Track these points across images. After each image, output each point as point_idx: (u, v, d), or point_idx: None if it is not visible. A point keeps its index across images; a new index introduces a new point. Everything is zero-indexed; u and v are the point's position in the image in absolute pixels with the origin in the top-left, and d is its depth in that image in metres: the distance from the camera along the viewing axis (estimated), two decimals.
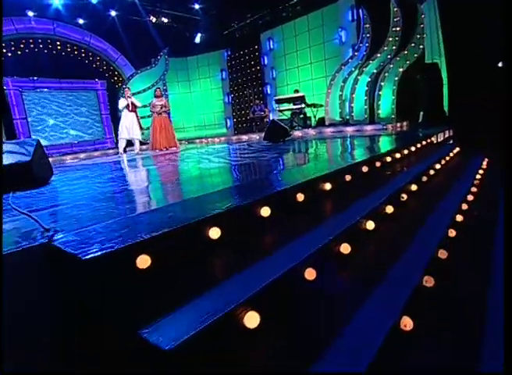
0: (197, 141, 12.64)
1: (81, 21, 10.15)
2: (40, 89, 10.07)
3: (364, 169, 2.61)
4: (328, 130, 8.31)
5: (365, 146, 4.25)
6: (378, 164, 2.86)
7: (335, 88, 9.06)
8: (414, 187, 2.50)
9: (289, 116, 9.78)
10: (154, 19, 11.17)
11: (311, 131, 8.66)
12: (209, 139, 12.40)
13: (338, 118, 9.16)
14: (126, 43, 11.03)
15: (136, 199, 2.23)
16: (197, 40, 12.91)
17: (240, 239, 1.56)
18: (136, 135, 7.42)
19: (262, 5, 10.39)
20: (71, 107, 10.90)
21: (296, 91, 9.67)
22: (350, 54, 9.07)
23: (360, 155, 3.23)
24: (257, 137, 9.88)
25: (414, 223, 2.10)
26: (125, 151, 8.15)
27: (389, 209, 1.98)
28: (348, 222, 1.75)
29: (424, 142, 4.44)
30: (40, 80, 10.06)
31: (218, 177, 2.95)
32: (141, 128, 7.84)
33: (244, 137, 10.42)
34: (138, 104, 7.57)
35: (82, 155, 9.91)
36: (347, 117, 8.85)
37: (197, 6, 11.00)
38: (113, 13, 10.23)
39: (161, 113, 7.84)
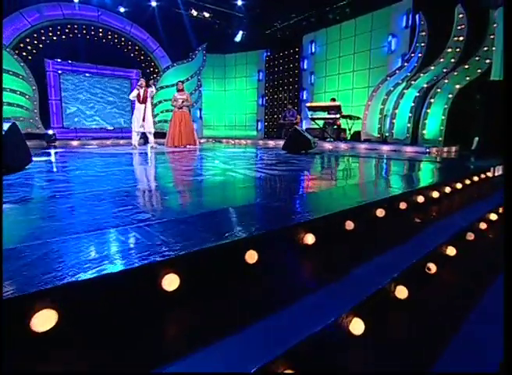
0: (224, 140, 12.23)
1: (122, 9, 10.11)
2: (77, 73, 10.19)
3: (380, 213, 1.89)
4: (363, 147, 7.47)
5: (400, 173, 3.47)
6: (403, 206, 2.11)
7: (376, 101, 8.17)
8: (451, 252, 1.73)
9: (322, 125, 9.03)
10: (195, 13, 10.92)
11: (343, 145, 7.85)
12: (236, 140, 11.93)
13: (375, 134, 8.26)
14: (165, 35, 10.89)
15: (77, 214, 1.70)
16: (238, 38, 12.51)
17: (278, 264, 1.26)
18: (149, 128, 7.07)
19: (308, 6, 9.72)
20: (104, 93, 10.97)
21: (333, 100, 8.89)
22: (399, 64, 8.14)
23: (394, 185, 2.50)
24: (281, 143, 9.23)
25: None
26: (145, 143, 7.86)
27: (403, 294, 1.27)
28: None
29: (476, 177, 3.55)
30: (78, 65, 10.19)
31: (225, 190, 2.37)
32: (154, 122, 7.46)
33: (271, 143, 9.81)
34: (149, 94, 7.07)
35: (95, 142, 9.77)
36: (386, 134, 7.93)
37: (240, 2, 10.56)
38: (154, 3, 10.07)
39: (181, 108, 7.48)
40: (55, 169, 3.74)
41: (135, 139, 7.04)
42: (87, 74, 10.39)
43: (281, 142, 9.64)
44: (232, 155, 5.53)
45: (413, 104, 7.22)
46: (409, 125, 7.30)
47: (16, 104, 9.17)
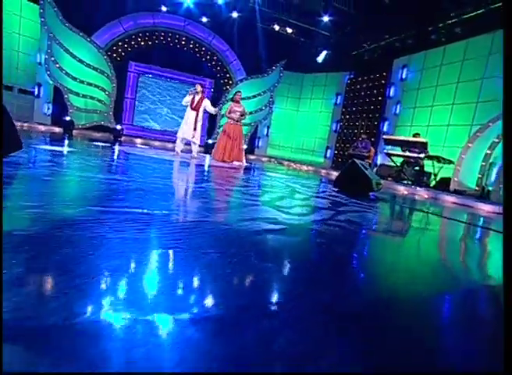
0: (286, 163, 11.30)
1: (205, 19, 10.16)
2: (154, 75, 10.54)
3: None
4: (450, 200, 5.69)
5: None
6: None
7: (481, 143, 6.29)
8: None
9: (400, 164, 7.40)
10: (277, 28, 10.42)
11: (423, 193, 6.16)
12: (298, 165, 10.89)
13: (472, 186, 6.33)
14: (244, 47, 10.63)
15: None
16: (321, 58, 11.63)
17: None
18: (195, 138, 6.48)
19: (407, 25, 8.32)
20: (175, 98, 11.14)
21: (417, 135, 7.24)
22: None
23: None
24: None
25: None
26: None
27: None
28: None
29: None
30: (156, 68, 10.55)
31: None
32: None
33: (335, 175, 8.50)
34: (204, 104, 6.51)
35: (156, 143, 9.74)
36: (488, 188, 5.99)
37: (326, 19, 9.69)
38: (235, 15, 9.86)
39: (238, 121, 6.79)
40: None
41: (179, 146, 6.56)
42: (162, 78, 10.68)
43: None
44: (280, 183, 4.50)
45: None
46: None
47: (96, 98, 9.77)
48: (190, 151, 6.92)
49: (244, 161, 7.06)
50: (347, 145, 10.94)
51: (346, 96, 11.35)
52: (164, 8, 9.72)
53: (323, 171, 9.42)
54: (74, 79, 9.27)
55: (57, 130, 9.47)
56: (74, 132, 9.57)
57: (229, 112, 6.96)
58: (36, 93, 9.63)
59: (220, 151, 6.85)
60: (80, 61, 9.22)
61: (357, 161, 3.81)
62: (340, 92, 11.59)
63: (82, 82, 9.42)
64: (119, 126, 10.12)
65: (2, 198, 1.47)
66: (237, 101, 6.96)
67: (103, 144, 7.32)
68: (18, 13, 9.04)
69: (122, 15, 9.73)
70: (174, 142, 11.34)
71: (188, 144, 6.75)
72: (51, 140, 7.23)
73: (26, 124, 9.04)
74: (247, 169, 6.14)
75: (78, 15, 9.05)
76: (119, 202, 1.84)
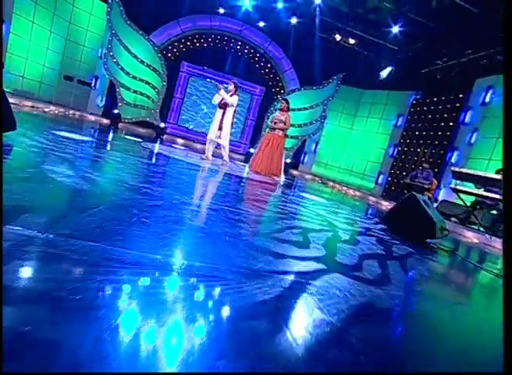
0: (331, 183, 10.27)
1: (262, 24, 9.72)
2: (204, 77, 10.34)
3: None
4: None
5: None
6: None
7: None
8: None
9: (470, 204, 6.01)
10: (338, 38, 9.60)
11: (498, 244, 4.77)
12: (344, 188, 9.79)
13: None
14: (301, 56, 9.98)
15: None
16: (384, 73, 10.52)
17: None
18: (223, 140, 5.79)
19: (497, 39, 6.97)
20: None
21: (500, 172, 5.81)
22: None
23: None
24: None
25: None
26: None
27: None
28: None
29: None
30: (208, 70, 10.34)
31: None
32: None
33: (385, 206, 7.30)
34: (229, 101, 5.64)
35: (198, 146, 9.36)
36: None
37: (396, 29, 8.64)
38: (294, 21, 9.24)
39: (274, 129, 6.08)
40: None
41: (208, 149, 5.94)
42: (212, 81, 10.43)
43: None
44: (320, 209, 3.65)
45: None
46: None
47: (146, 94, 9.81)
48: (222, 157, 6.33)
49: (283, 176, 6.28)
50: (404, 173, 9.57)
51: (408, 118, 10.04)
52: (221, 11, 9.51)
53: (372, 199, 8.23)
54: (127, 74, 9.39)
55: (105, 121, 9.64)
56: (120, 125, 9.67)
57: (272, 121, 6.34)
58: (93, 85, 9.96)
59: (256, 162, 6.18)
60: (135, 57, 9.33)
61: (418, 195, 2.80)
62: (402, 113, 10.31)
63: (134, 78, 9.51)
64: (162, 124, 10.04)
65: (2, 196, 1.25)
66: (282, 110, 6.28)
67: (139, 139, 7.09)
68: (89, 11, 9.49)
69: (180, 16, 9.73)
70: (217, 147, 11.03)
71: (219, 147, 6.09)
72: (96, 130, 7.21)
73: (78, 113, 9.32)
74: (285, 187, 5.33)
75: (140, 14, 9.22)
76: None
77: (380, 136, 10.95)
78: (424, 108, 9.48)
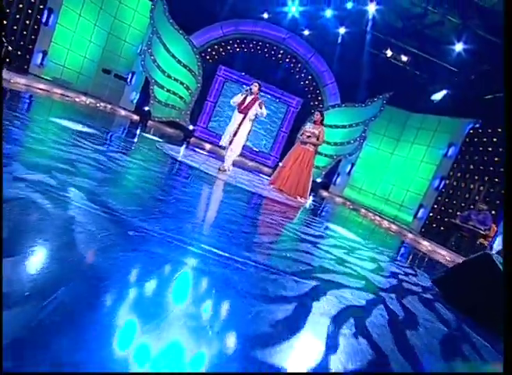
0: (363, 211, 9.23)
1: (306, 32, 9.11)
2: (241, 83, 9.92)
3: None
4: None
5: None
6: None
7: None
8: None
9: None
10: (389, 54, 8.73)
11: None
12: (377, 217, 8.71)
13: None
14: (344, 70, 9.24)
15: None
16: (438, 96, 9.43)
17: None
18: (235, 147, 4.93)
19: None
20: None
21: None
22: None
23: None
24: (448, 257, 5.50)
25: None
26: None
27: None
28: None
29: None
30: (246, 77, 9.90)
31: None
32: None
33: (426, 246, 6.21)
34: (257, 111, 4.85)
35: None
36: None
37: (459, 47, 7.63)
38: (342, 30, 8.52)
39: (305, 143, 5.32)
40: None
41: (229, 157, 5.05)
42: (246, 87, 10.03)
43: (443, 252, 5.94)
44: (346, 248, 2.86)
45: None
46: None
47: (179, 95, 9.54)
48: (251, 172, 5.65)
49: (307, 197, 5.45)
50: (450, 210, 8.32)
51: (462, 149, 8.82)
52: (265, 15, 9.05)
53: (409, 235, 7.10)
54: (163, 72, 9.18)
55: (135, 117, 9.47)
56: (149, 123, 9.44)
57: (301, 133, 5.62)
58: (128, 80, 9.89)
59: (281, 179, 5.37)
60: (173, 56, 9.12)
61: (496, 256, 1.89)
62: (455, 143, 9.11)
63: (169, 77, 9.28)
64: (191, 127, 9.68)
65: (2, 193, 1.19)
66: (316, 123, 5.51)
67: (160, 139, 6.67)
68: (134, 8, 9.51)
69: (224, 19, 9.44)
70: (245, 157, 10.43)
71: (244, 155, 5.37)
72: (123, 125, 6.92)
73: (110, 106, 9.22)
74: (310, 213, 4.52)
75: (183, 14, 9.04)
76: None
77: (425, 165, 9.77)
78: (484, 140, 8.26)
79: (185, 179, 3.41)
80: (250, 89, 4.87)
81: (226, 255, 1.54)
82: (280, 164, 5.75)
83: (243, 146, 5.21)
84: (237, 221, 2.32)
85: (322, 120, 5.49)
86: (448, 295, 2.10)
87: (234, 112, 5.00)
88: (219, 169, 4.84)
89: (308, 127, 5.49)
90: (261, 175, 8.02)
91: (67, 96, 7.46)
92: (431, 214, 8.83)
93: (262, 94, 10.16)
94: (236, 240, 1.82)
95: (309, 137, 5.31)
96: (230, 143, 4.88)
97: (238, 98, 4.90)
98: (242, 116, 4.81)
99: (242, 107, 4.79)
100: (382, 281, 2.24)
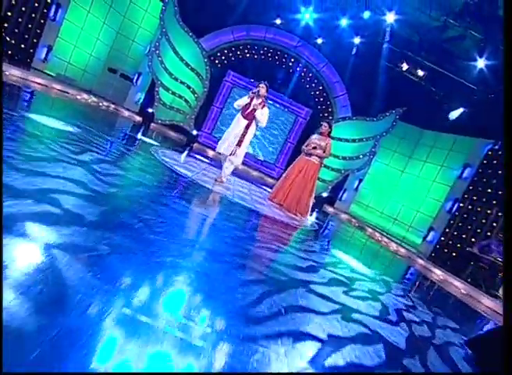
0: (369, 230, 8.71)
1: (320, 41, 8.78)
2: (248, 89, 9.62)
3: None
4: None
5: None
6: None
7: None
8: None
9: None
10: (405, 67, 8.33)
11: None
12: (384, 238, 8.18)
13: None
14: (357, 82, 8.87)
15: None
16: (454, 115, 8.97)
17: None
18: (237, 158, 4.40)
19: None
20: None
21: None
22: None
23: None
24: (463, 290, 4.96)
25: None
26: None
27: None
28: None
29: None
30: (254, 84, 9.58)
31: None
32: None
33: (437, 274, 5.68)
34: (261, 116, 4.30)
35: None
36: None
37: (481, 63, 7.22)
38: (357, 40, 8.16)
39: (311, 155, 4.90)
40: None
41: (227, 169, 4.49)
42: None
43: (456, 283, 5.35)
44: (345, 305, 2.41)
45: None
46: None
47: (184, 98, 9.26)
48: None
49: (308, 215, 5.00)
50: (464, 236, 7.76)
51: (479, 171, 8.30)
52: (278, 21, 8.76)
53: (419, 261, 6.54)
54: (170, 74, 8.92)
55: (138, 118, 9.19)
56: (152, 125, 9.14)
57: (306, 144, 5.15)
58: (134, 80, 9.65)
59: (282, 193, 4.95)
60: (181, 59, 8.86)
61: None
62: (471, 164, 8.60)
63: (176, 79, 9.01)
64: (195, 132, 9.36)
65: (2, 194, 1.18)
66: (323, 134, 5.08)
67: (156, 143, 6.32)
68: (144, 8, 9.35)
69: (235, 23, 9.19)
70: (249, 166, 10.03)
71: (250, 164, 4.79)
72: (124, 127, 6.60)
73: (113, 106, 8.96)
74: (310, 236, 4.06)
75: (194, 17, 8.83)
76: None
77: (438, 185, 9.24)
78: (502, 161, 7.74)
79: (170, 193, 3.00)
80: (258, 91, 4.38)
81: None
82: (283, 175, 5.33)
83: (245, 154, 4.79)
84: (224, 259, 1.85)
85: (330, 132, 5.09)
86: (483, 361, 1.63)
87: (237, 117, 4.45)
88: (216, 180, 4.42)
89: (315, 138, 5.06)
90: (263, 187, 7.60)
91: (67, 93, 7.19)
92: (442, 238, 8.26)
93: (270, 102, 9.86)
94: (214, 302, 1.35)
95: (315, 148, 4.89)
96: (231, 153, 4.35)
97: (243, 101, 4.39)
98: (246, 122, 4.33)
99: (247, 112, 4.28)
100: (394, 333, 1.77)
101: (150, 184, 2.84)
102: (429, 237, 8.80)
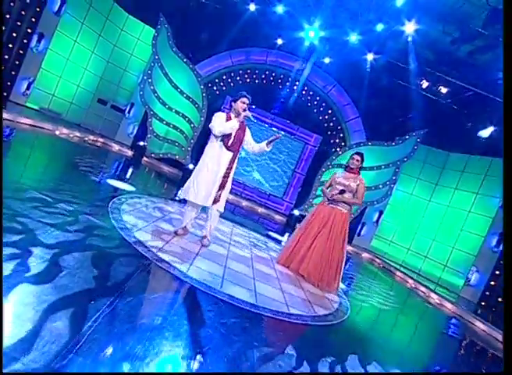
0: (398, 273, 7.29)
1: (327, 60, 7.96)
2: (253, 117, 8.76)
3: None
4: None
5: None
6: None
7: None
8: None
9: None
10: (424, 85, 7.38)
11: None
12: (421, 287, 6.68)
13: None
14: (370, 104, 7.92)
15: None
16: (484, 133, 7.84)
17: None
18: (221, 206, 3.06)
19: None
20: (272, 148, 9.03)
21: None
22: None
23: None
24: None
25: None
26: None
27: None
28: None
29: None
30: (257, 111, 8.76)
31: None
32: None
33: (485, 331, 4.22)
34: (246, 138, 3.11)
35: (230, 197, 7.37)
36: None
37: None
38: (370, 57, 7.28)
39: (336, 202, 3.45)
40: None
41: (188, 216, 3.08)
42: (258, 122, 8.78)
43: None
44: None
45: None
46: None
47: (180, 129, 8.41)
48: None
49: (337, 289, 3.38)
50: None
51: None
52: (279, 41, 8.01)
53: (478, 325, 5.01)
54: (164, 104, 8.14)
55: (129, 153, 8.29)
56: (144, 160, 8.22)
57: (329, 185, 3.66)
58: (126, 111, 8.90)
59: (300, 257, 3.45)
60: (175, 87, 8.12)
61: None
62: None
63: (170, 109, 8.21)
64: (191, 166, 8.35)
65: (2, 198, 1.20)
66: (351, 171, 3.54)
67: (133, 189, 5.26)
68: (136, 36, 8.82)
69: (235, 48, 8.53)
70: (255, 202, 8.87)
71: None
72: (103, 165, 5.56)
73: (101, 140, 8.09)
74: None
75: (188, 42, 8.23)
76: None
77: (475, 217, 7.89)
78: None
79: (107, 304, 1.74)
80: (242, 107, 2.95)
81: None
82: (297, 212, 3.86)
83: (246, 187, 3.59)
84: None
85: (361, 168, 3.56)
86: None
87: (214, 149, 2.96)
88: (202, 244, 3.09)
89: (340, 177, 3.56)
90: (269, 232, 6.36)
91: (40, 127, 6.29)
92: (491, 283, 6.77)
93: (274, 129, 8.92)
94: None
95: (342, 192, 3.42)
96: (215, 201, 3.00)
97: (227, 124, 2.88)
98: (231, 155, 2.99)
99: (230, 142, 2.93)
100: None
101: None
102: (473, 280, 7.30)
